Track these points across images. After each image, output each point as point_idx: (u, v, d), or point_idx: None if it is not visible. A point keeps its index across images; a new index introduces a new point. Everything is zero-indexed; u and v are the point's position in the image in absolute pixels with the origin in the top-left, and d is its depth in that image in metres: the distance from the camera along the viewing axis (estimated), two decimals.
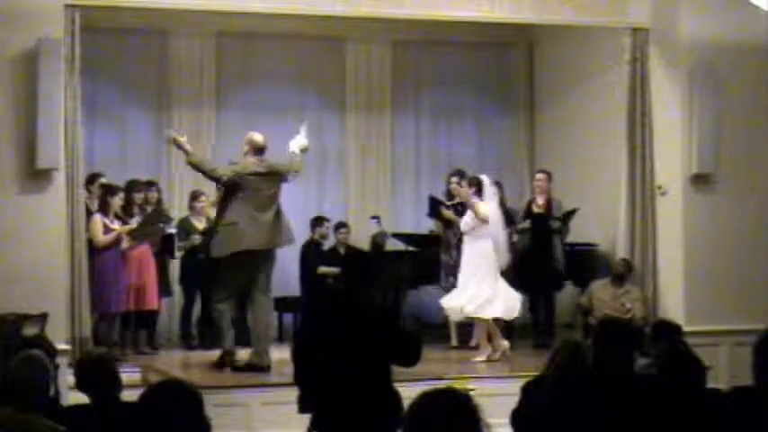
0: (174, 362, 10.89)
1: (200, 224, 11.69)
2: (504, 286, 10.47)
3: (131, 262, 10.81)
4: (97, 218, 10.48)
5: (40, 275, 9.31)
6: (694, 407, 4.82)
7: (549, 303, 11.68)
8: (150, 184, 11.53)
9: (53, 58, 9.31)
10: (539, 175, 11.87)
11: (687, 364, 4.99)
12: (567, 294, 11.93)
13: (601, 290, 10.99)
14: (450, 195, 11.66)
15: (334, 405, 5.79)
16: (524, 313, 11.40)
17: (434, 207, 11.63)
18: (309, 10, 10.50)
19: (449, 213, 11.40)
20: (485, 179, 10.52)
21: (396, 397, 5.86)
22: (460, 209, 10.98)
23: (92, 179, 10.67)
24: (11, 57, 9.40)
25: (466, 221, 10.48)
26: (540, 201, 11.66)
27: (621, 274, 10.92)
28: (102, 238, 10.44)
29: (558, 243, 11.54)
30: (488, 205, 10.38)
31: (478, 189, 10.41)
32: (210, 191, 12.13)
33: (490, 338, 10.45)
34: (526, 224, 11.52)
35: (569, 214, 11.62)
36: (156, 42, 12.76)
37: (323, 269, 12.04)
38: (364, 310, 6.03)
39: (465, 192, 10.52)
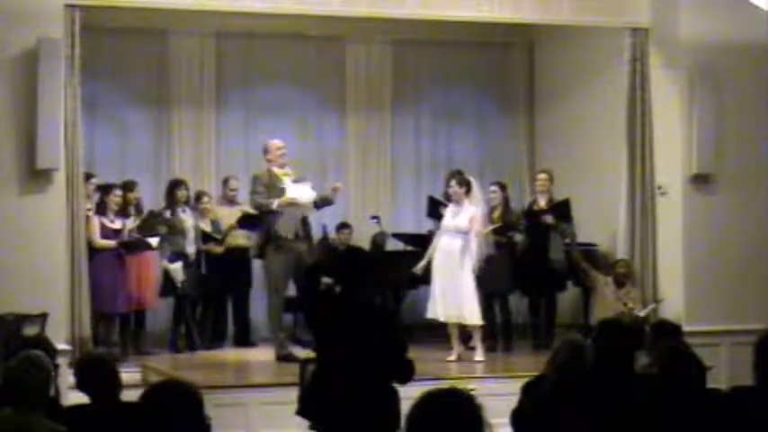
0: (174, 362, 10.88)
1: (206, 226, 11.62)
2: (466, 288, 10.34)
3: (131, 262, 10.80)
4: (94, 219, 10.48)
5: (40, 275, 9.32)
6: (694, 407, 4.82)
7: (551, 304, 11.62)
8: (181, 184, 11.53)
9: (53, 58, 9.32)
10: (540, 176, 11.74)
11: (687, 364, 4.99)
12: (567, 294, 11.91)
13: (605, 287, 10.98)
14: (448, 196, 11.60)
15: (334, 405, 5.79)
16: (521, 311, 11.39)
17: (434, 207, 11.60)
18: (309, 10, 10.50)
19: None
20: (473, 181, 10.47)
21: (395, 397, 5.86)
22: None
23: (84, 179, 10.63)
24: (11, 57, 9.41)
25: (462, 225, 10.35)
26: (543, 201, 11.57)
27: (624, 275, 10.91)
28: (99, 241, 10.44)
29: (557, 242, 11.43)
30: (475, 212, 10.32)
31: (468, 189, 10.37)
32: (213, 191, 12.16)
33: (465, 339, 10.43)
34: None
35: (560, 206, 11.41)
36: (156, 42, 12.74)
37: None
38: (362, 309, 6.03)
39: (461, 193, 10.40)
